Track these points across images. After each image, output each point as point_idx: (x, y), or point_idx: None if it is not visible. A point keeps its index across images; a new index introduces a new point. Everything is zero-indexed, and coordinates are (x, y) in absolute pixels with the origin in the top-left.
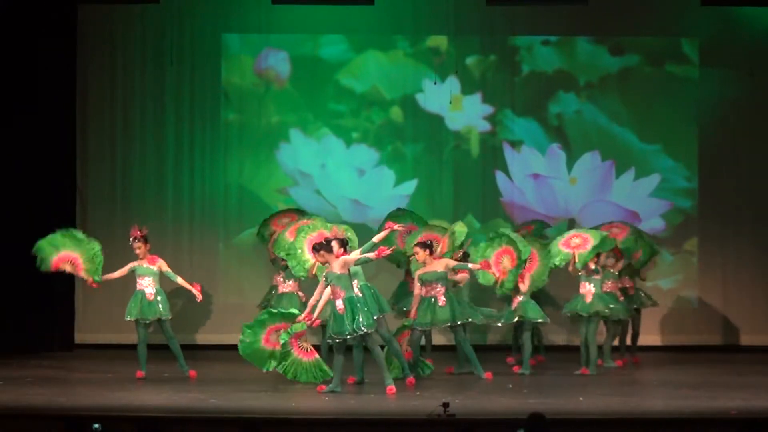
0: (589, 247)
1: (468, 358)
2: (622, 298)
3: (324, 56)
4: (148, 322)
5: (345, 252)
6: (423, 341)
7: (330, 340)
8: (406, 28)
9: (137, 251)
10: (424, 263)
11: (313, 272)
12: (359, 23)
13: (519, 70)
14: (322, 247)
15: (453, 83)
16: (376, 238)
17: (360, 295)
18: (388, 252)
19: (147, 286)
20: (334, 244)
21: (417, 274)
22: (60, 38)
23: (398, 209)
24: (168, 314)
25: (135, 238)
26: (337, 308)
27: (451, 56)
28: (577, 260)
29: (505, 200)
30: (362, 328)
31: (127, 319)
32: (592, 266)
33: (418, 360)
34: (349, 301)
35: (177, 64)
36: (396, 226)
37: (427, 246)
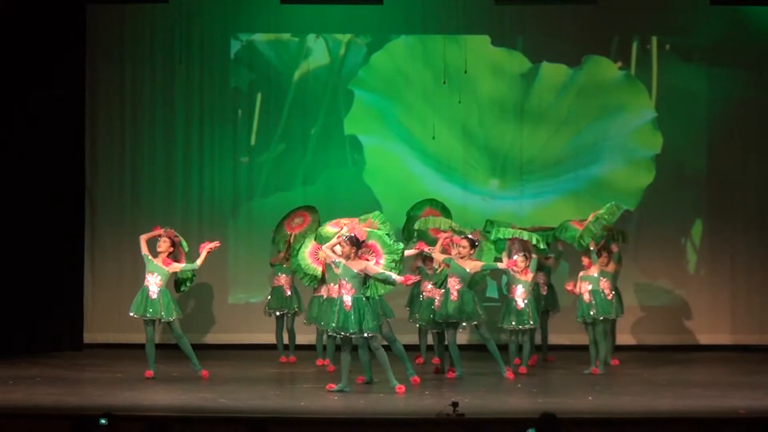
0: (591, 217)
1: (493, 356)
2: (610, 297)
3: (333, 56)
4: (147, 319)
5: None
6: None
7: (333, 333)
8: (414, 27)
9: (162, 245)
10: (458, 255)
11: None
12: (368, 23)
13: (528, 69)
14: (355, 243)
15: (462, 83)
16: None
17: (365, 298)
18: (414, 281)
19: (152, 284)
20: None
21: (452, 258)
22: (69, 38)
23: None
24: (169, 316)
25: (168, 237)
26: (345, 304)
27: (460, 56)
28: (582, 234)
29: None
30: (368, 332)
31: (130, 314)
32: (592, 247)
33: (456, 359)
34: (357, 302)
35: (186, 64)
36: (426, 249)
37: (474, 246)
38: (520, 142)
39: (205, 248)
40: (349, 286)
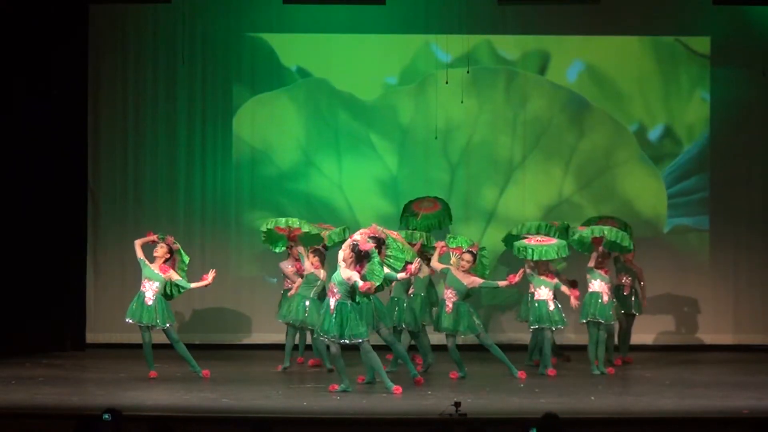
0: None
1: (500, 360)
2: (614, 299)
3: (334, 56)
4: (142, 325)
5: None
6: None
7: (317, 335)
8: (417, 27)
9: (159, 250)
10: (459, 268)
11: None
12: (370, 23)
13: (529, 69)
14: (355, 252)
15: (464, 83)
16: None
17: (356, 303)
18: (417, 267)
19: (148, 290)
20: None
21: (450, 268)
22: (71, 38)
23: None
24: (164, 324)
25: (167, 244)
26: (330, 307)
27: (462, 56)
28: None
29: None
30: (351, 338)
31: (126, 320)
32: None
33: (458, 361)
34: (342, 306)
35: (188, 64)
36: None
37: (475, 259)
38: (522, 141)
39: (204, 281)
40: (336, 290)
